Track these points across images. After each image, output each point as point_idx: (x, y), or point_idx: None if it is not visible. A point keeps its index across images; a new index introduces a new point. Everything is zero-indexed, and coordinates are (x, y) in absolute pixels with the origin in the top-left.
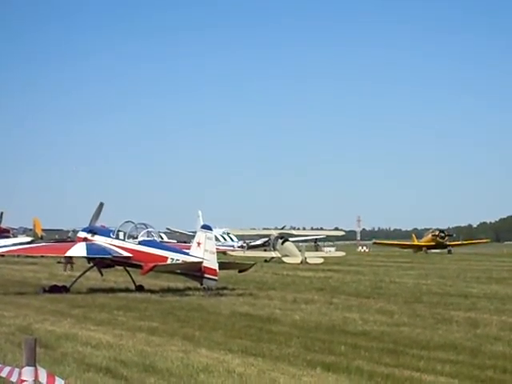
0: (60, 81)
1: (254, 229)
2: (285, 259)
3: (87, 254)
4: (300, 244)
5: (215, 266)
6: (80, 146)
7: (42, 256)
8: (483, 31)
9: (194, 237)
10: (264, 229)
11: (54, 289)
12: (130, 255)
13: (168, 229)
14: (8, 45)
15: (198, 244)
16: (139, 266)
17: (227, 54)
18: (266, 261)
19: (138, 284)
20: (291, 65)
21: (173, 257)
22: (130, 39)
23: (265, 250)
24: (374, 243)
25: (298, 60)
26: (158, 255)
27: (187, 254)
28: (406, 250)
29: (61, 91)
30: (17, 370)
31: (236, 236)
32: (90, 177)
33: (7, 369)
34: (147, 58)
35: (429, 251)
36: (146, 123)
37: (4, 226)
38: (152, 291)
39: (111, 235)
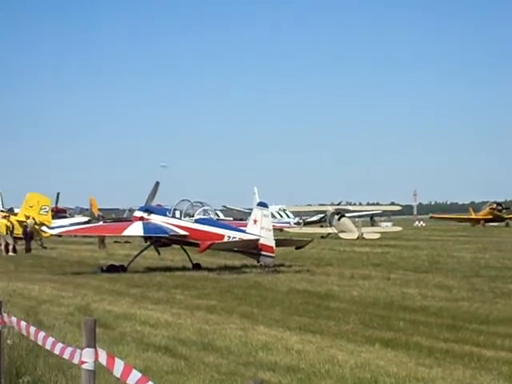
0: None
1: (310, 205)
2: (341, 235)
3: (144, 233)
4: (356, 219)
5: (272, 243)
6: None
7: (99, 236)
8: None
9: (250, 214)
10: (320, 205)
11: (112, 268)
12: (187, 233)
13: (224, 206)
14: None
15: (255, 221)
16: (196, 245)
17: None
18: (322, 237)
19: (194, 262)
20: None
21: (229, 234)
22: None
23: (321, 226)
24: (431, 217)
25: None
26: (214, 233)
27: (244, 231)
28: (463, 224)
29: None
30: (78, 351)
31: (292, 213)
32: (146, 157)
33: (69, 350)
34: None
35: (486, 224)
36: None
37: (61, 206)
38: (209, 269)
39: (167, 214)
